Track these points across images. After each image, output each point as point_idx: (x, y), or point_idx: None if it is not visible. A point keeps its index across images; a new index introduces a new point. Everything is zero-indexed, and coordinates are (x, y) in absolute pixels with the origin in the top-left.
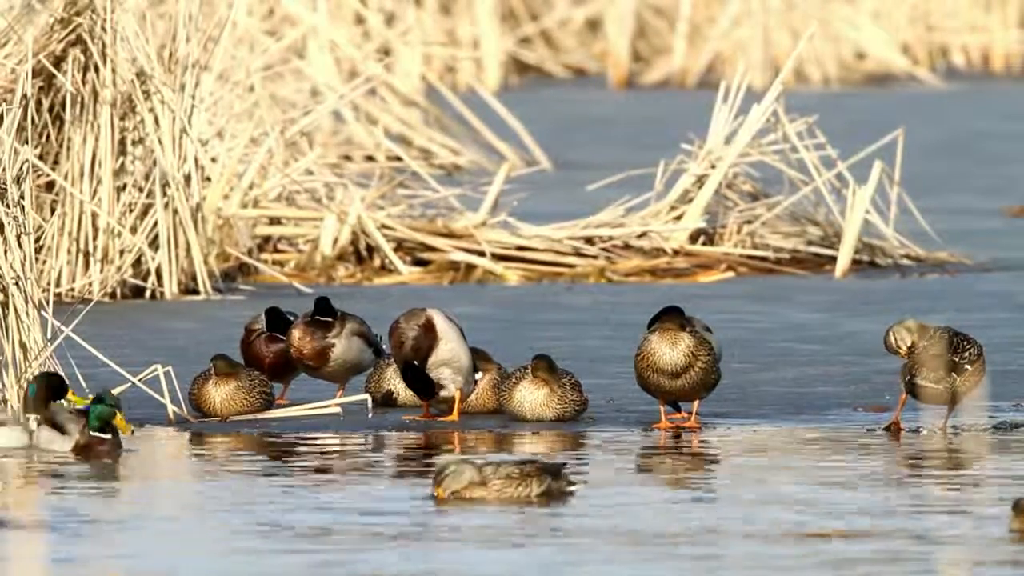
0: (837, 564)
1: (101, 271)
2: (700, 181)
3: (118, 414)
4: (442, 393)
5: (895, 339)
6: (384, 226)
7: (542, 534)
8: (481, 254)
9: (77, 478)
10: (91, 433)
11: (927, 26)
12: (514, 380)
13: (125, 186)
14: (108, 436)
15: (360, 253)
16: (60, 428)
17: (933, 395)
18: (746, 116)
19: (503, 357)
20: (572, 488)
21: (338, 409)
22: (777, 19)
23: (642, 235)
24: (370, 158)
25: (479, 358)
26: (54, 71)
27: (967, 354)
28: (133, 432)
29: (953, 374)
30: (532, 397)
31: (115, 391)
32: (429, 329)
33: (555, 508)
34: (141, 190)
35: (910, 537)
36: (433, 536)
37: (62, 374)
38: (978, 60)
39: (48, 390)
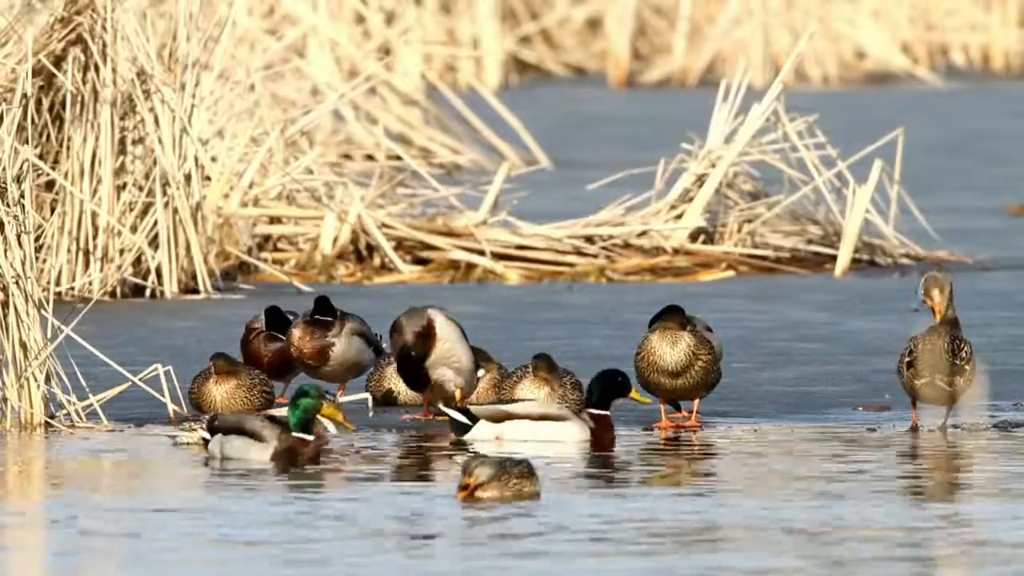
0: (838, 563)
1: (101, 270)
2: (700, 180)
3: (327, 405)
4: (448, 390)
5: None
6: (384, 225)
7: (546, 533)
8: (481, 253)
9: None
10: (293, 435)
11: (927, 25)
12: (515, 379)
13: (125, 185)
14: (311, 437)
15: (360, 252)
16: (255, 436)
17: (939, 395)
18: (746, 115)
19: (504, 356)
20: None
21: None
22: (777, 18)
23: (642, 234)
24: (370, 157)
25: (480, 357)
26: (54, 70)
27: (963, 353)
28: (353, 428)
29: (956, 376)
30: (532, 396)
31: (117, 390)
32: (429, 330)
33: (556, 508)
34: (141, 189)
35: (910, 535)
36: (437, 536)
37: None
38: (978, 59)
39: (615, 389)
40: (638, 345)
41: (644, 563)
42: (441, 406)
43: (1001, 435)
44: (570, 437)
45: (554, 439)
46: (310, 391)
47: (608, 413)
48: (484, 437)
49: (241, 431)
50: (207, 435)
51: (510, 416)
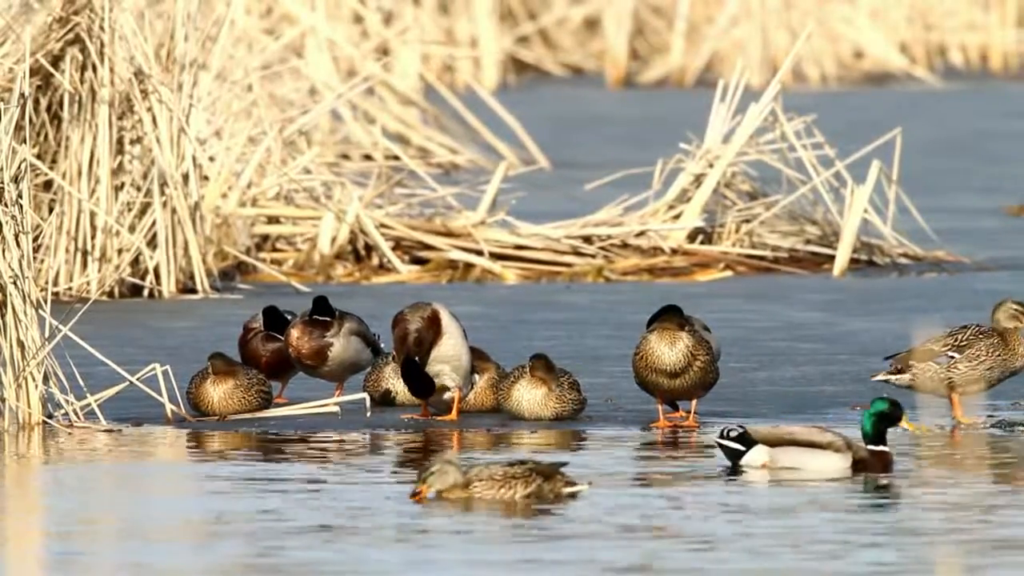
0: (835, 562)
1: (99, 270)
2: (698, 180)
3: (904, 416)
4: (445, 396)
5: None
6: (382, 225)
7: (531, 533)
8: (479, 253)
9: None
10: (870, 447)
11: (925, 25)
12: (512, 379)
13: (123, 185)
14: (888, 449)
15: (358, 252)
16: (829, 447)
17: (934, 388)
18: (744, 115)
19: (501, 356)
20: (572, 489)
21: (336, 408)
22: (775, 18)
23: (640, 234)
24: (368, 157)
25: (477, 357)
26: (52, 70)
27: (959, 337)
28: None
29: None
30: (530, 396)
31: (115, 390)
32: (434, 322)
33: (551, 507)
34: (139, 189)
35: (909, 535)
36: (424, 535)
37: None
38: (976, 59)
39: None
40: (636, 345)
41: (637, 562)
42: None
43: (999, 434)
44: None
45: None
46: (887, 401)
47: None
48: None
49: (804, 443)
50: (738, 446)
51: None
